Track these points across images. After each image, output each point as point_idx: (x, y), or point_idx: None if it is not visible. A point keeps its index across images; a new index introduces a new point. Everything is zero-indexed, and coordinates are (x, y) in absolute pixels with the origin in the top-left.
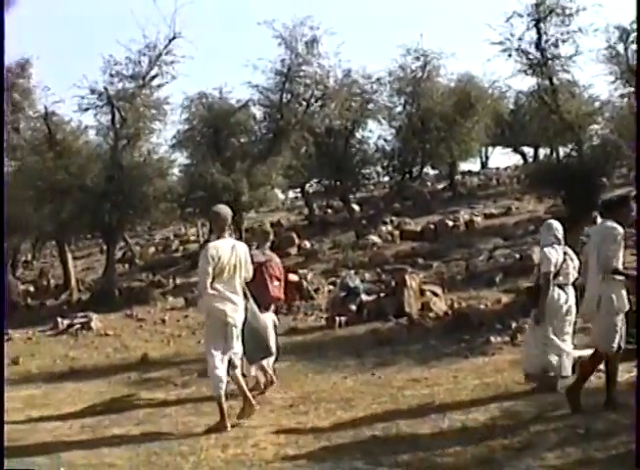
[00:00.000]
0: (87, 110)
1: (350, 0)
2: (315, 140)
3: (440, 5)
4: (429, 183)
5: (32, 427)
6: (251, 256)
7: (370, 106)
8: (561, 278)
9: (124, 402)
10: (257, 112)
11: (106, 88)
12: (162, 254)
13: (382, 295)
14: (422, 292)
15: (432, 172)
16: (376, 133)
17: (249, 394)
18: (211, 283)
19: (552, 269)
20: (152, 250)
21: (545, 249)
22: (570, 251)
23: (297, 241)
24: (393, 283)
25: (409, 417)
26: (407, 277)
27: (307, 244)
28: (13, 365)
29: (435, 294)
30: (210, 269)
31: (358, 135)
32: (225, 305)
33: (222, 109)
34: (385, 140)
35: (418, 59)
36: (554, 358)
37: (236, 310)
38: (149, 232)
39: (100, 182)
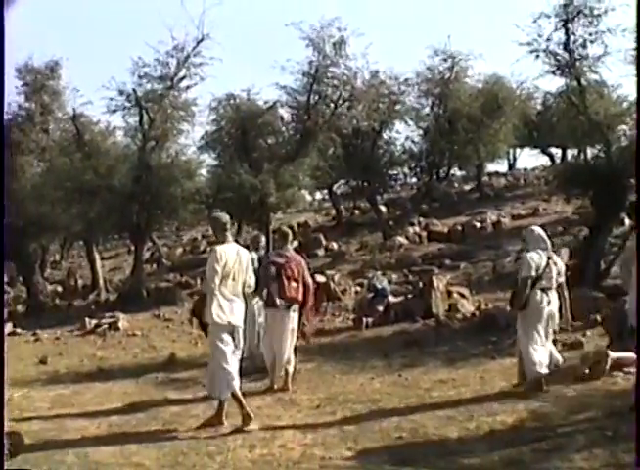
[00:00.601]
0: (115, 111)
1: (378, 1)
2: (342, 141)
3: (468, 6)
4: (456, 184)
5: (61, 426)
6: (269, 257)
7: (397, 107)
8: (544, 282)
9: (152, 402)
10: (285, 113)
11: (134, 90)
12: (190, 254)
13: (409, 296)
14: (449, 293)
15: (459, 174)
16: (403, 134)
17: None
18: (219, 285)
19: (532, 274)
20: (179, 250)
21: (528, 254)
22: (554, 256)
23: (324, 242)
24: (421, 284)
25: (436, 419)
26: (434, 278)
27: (334, 245)
28: (41, 365)
29: (463, 295)
30: (220, 269)
31: (386, 136)
32: (230, 310)
33: (250, 110)
34: (412, 141)
35: (445, 60)
36: (546, 357)
37: (239, 314)
38: (176, 233)
39: (128, 183)
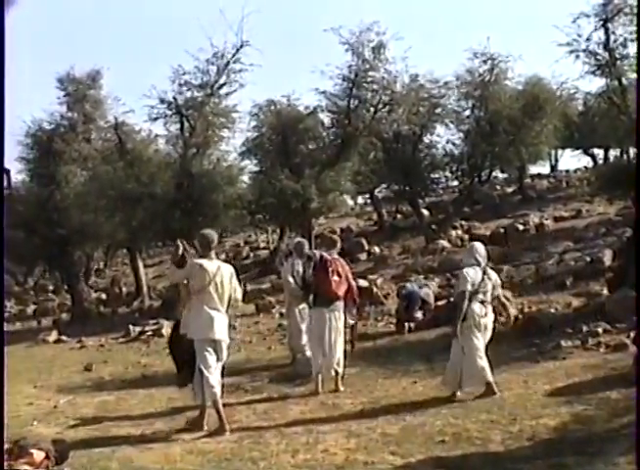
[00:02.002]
0: (157, 119)
1: (417, 5)
2: (383, 145)
3: (507, 7)
4: (498, 187)
5: (105, 433)
6: (319, 254)
7: (438, 110)
8: (480, 296)
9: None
10: (325, 118)
11: (175, 98)
12: (233, 260)
13: (451, 299)
14: None
15: (501, 176)
16: (444, 138)
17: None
18: (195, 298)
19: (468, 288)
20: (222, 257)
21: (464, 269)
22: (489, 270)
23: (366, 246)
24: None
25: (479, 422)
26: None
27: (377, 249)
28: (86, 372)
29: (506, 298)
30: (182, 276)
31: (426, 140)
32: (210, 324)
33: (290, 115)
34: (453, 144)
35: (485, 62)
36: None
37: (221, 327)
38: (219, 239)
39: (170, 190)
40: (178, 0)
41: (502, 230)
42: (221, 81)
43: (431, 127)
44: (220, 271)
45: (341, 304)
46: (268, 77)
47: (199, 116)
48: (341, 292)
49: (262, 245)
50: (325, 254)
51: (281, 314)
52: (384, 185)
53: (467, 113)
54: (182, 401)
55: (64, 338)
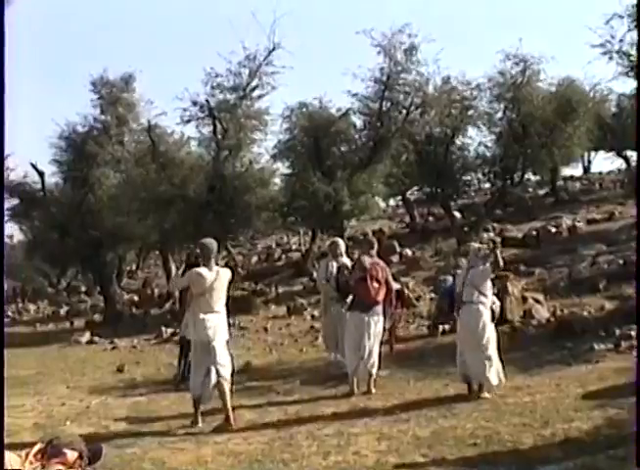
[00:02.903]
0: (189, 121)
1: (449, 6)
2: (415, 148)
3: (539, 8)
4: (530, 189)
5: (137, 434)
6: (360, 261)
7: (470, 112)
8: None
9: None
10: (357, 120)
11: (207, 100)
12: (265, 262)
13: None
14: (524, 299)
15: (533, 178)
16: (476, 140)
17: (229, 407)
18: (194, 302)
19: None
20: (254, 259)
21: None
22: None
23: (398, 249)
24: (495, 290)
25: (511, 425)
26: (509, 284)
27: (409, 252)
28: (118, 373)
29: (538, 301)
30: (184, 284)
31: (458, 142)
32: (207, 326)
33: (322, 118)
34: (485, 146)
35: (517, 64)
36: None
37: (217, 329)
38: (251, 241)
39: (202, 192)
40: (210, 3)
41: (534, 233)
42: (253, 84)
43: (463, 129)
44: (218, 277)
45: (379, 308)
46: (300, 80)
47: (231, 118)
48: (380, 297)
49: (294, 247)
50: (365, 258)
51: (312, 316)
52: (416, 187)
53: (499, 115)
54: (214, 403)
55: (96, 339)
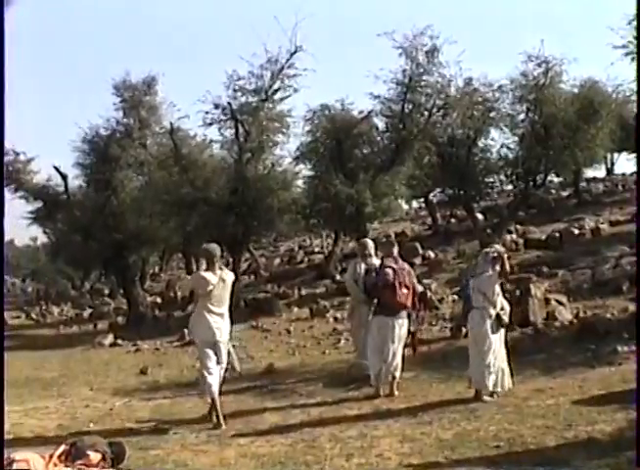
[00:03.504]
0: (211, 124)
1: (470, 8)
2: (438, 150)
3: (561, 9)
4: (553, 191)
5: (160, 436)
6: (387, 267)
7: (492, 114)
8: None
9: (250, 412)
10: (380, 122)
11: (229, 103)
12: (287, 265)
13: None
14: (547, 301)
15: (556, 180)
16: (498, 141)
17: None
18: (199, 303)
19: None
20: (277, 261)
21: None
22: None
23: (420, 251)
24: (518, 292)
25: (534, 428)
26: (532, 286)
27: (431, 254)
28: (141, 375)
29: (561, 303)
30: (188, 286)
31: (481, 144)
32: (212, 326)
33: (345, 120)
34: (507, 148)
35: (539, 65)
36: None
37: (221, 329)
38: (274, 244)
39: (225, 195)
40: (233, 7)
41: (557, 234)
42: (275, 86)
43: (485, 131)
44: (221, 280)
45: (405, 311)
46: (322, 82)
47: (253, 120)
48: (409, 303)
49: (317, 249)
50: (392, 264)
51: (335, 319)
52: (438, 189)
53: (521, 116)
54: (236, 405)
55: (119, 341)
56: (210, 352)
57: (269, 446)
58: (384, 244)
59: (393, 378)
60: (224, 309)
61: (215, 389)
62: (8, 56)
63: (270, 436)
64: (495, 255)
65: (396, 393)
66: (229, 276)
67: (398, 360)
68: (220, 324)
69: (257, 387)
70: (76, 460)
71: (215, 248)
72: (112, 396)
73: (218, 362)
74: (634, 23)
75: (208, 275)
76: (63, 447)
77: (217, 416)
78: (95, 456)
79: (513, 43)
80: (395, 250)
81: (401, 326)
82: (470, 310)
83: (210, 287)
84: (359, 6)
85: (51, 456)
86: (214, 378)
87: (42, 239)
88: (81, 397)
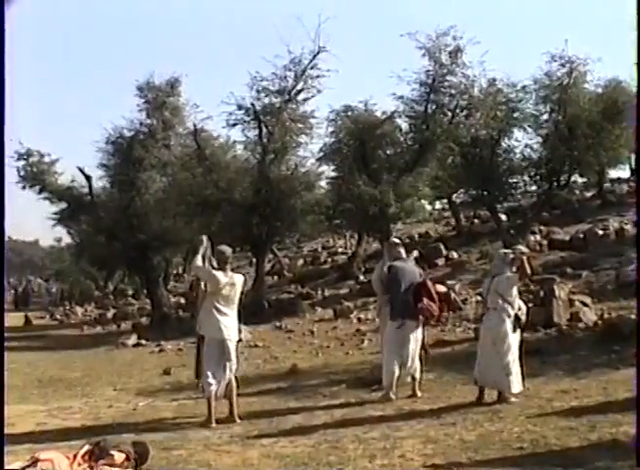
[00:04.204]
0: (235, 125)
1: (494, 8)
2: (461, 150)
3: (584, 9)
4: (577, 191)
5: (184, 436)
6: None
7: (516, 114)
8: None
9: (274, 412)
10: (403, 123)
11: (252, 104)
12: (311, 266)
13: (530, 305)
14: (571, 302)
15: (580, 180)
16: (522, 142)
17: (235, 402)
18: (207, 301)
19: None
20: (300, 262)
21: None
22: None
23: (444, 252)
24: (542, 293)
25: (557, 429)
26: (556, 287)
27: (455, 254)
28: (165, 376)
29: (585, 304)
30: (199, 274)
31: (504, 144)
32: (221, 325)
33: (368, 121)
34: (531, 149)
35: (563, 65)
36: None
37: (229, 328)
38: (297, 244)
39: (248, 196)
40: (256, 8)
41: (581, 235)
42: (299, 87)
43: (509, 132)
44: (231, 282)
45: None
46: (345, 83)
47: (276, 121)
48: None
49: (340, 250)
50: (403, 265)
51: (359, 319)
52: (462, 190)
53: (545, 117)
54: (260, 405)
55: (143, 342)
56: (216, 352)
57: (292, 446)
58: (390, 246)
59: (413, 379)
60: (232, 309)
61: (214, 388)
62: (32, 59)
63: (293, 436)
64: (513, 256)
65: (419, 393)
66: (238, 278)
67: (417, 361)
68: (228, 323)
69: (281, 387)
70: (100, 460)
71: (228, 249)
72: (135, 396)
73: (227, 361)
74: None
75: (219, 274)
76: (87, 447)
77: (209, 415)
78: (119, 456)
79: (537, 43)
80: (403, 252)
81: (417, 327)
82: (486, 311)
83: (220, 286)
84: (382, 7)
85: (75, 456)
86: (215, 378)
87: (66, 240)
88: (105, 397)
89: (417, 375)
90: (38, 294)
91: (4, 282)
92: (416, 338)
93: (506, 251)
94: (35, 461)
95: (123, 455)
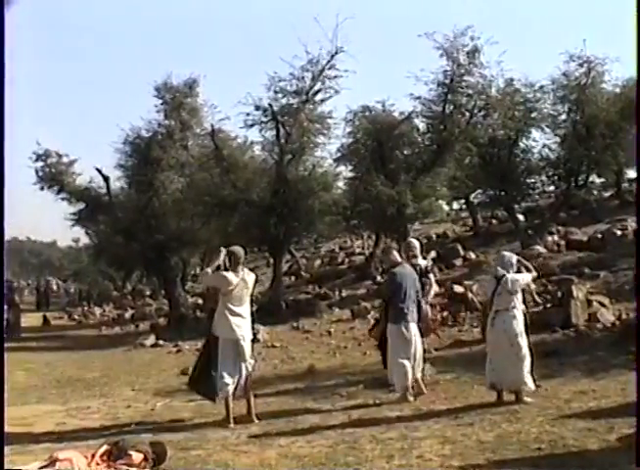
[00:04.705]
0: (252, 126)
1: (512, 8)
2: (479, 151)
3: (602, 8)
4: (595, 191)
5: (202, 436)
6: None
7: (533, 114)
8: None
9: (291, 413)
10: (421, 123)
11: (270, 104)
12: (328, 266)
13: (548, 306)
14: (589, 302)
15: (598, 180)
16: (540, 142)
17: (252, 401)
18: (221, 302)
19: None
20: (318, 262)
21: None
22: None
23: (461, 252)
24: (560, 294)
25: (576, 430)
26: (574, 287)
27: (472, 255)
28: (182, 376)
29: (603, 304)
30: (227, 290)
31: (522, 144)
32: (234, 325)
33: (385, 121)
34: (549, 149)
35: (581, 65)
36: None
37: (243, 328)
38: (315, 245)
39: (266, 196)
40: (273, 8)
41: (599, 235)
42: (316, 88)
43: (526, 132)
44: (243, 281)
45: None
46: (363, 83)
47: (294, 122)
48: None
49: (358, 250)
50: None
51: (377, 320)
52: (479, 190)
53: (563, 117)
54: (277, 406)
55: (161, 342)
56: (232, 353)
57: (310, 446)
58: (385, 252)
59: (415, 380)
60: (245, 309)
61: (230, 388)
62: (51, 61)
63: (311, 436)
64: (518, 259)
65: (425, 390)
66: (250, 277)
67: (421, 360)
68: (241, 323)
69: (298, 388)
70: (118, 460)
71: (240, 250)
72: (153, 396)
73: (242, 361)
74: None
75: (230, 275)
76: (105, 447)
77: (227, 415)
78: (137, 456)
79: (554, 43)
80: (398, 256)
81: (415, 327)
82: (495, 314)
83: (231, 286)
84: (400, 7)
85: (93, 456)
86: (229, 379)
87: (84, 240)
88: (123, 397)
89: (419, 375)
90: (57, 294)
91: (4, 282)
92: (418, 336)
93: (506, 253)
94: (54, 461)
95: (141, 455)
